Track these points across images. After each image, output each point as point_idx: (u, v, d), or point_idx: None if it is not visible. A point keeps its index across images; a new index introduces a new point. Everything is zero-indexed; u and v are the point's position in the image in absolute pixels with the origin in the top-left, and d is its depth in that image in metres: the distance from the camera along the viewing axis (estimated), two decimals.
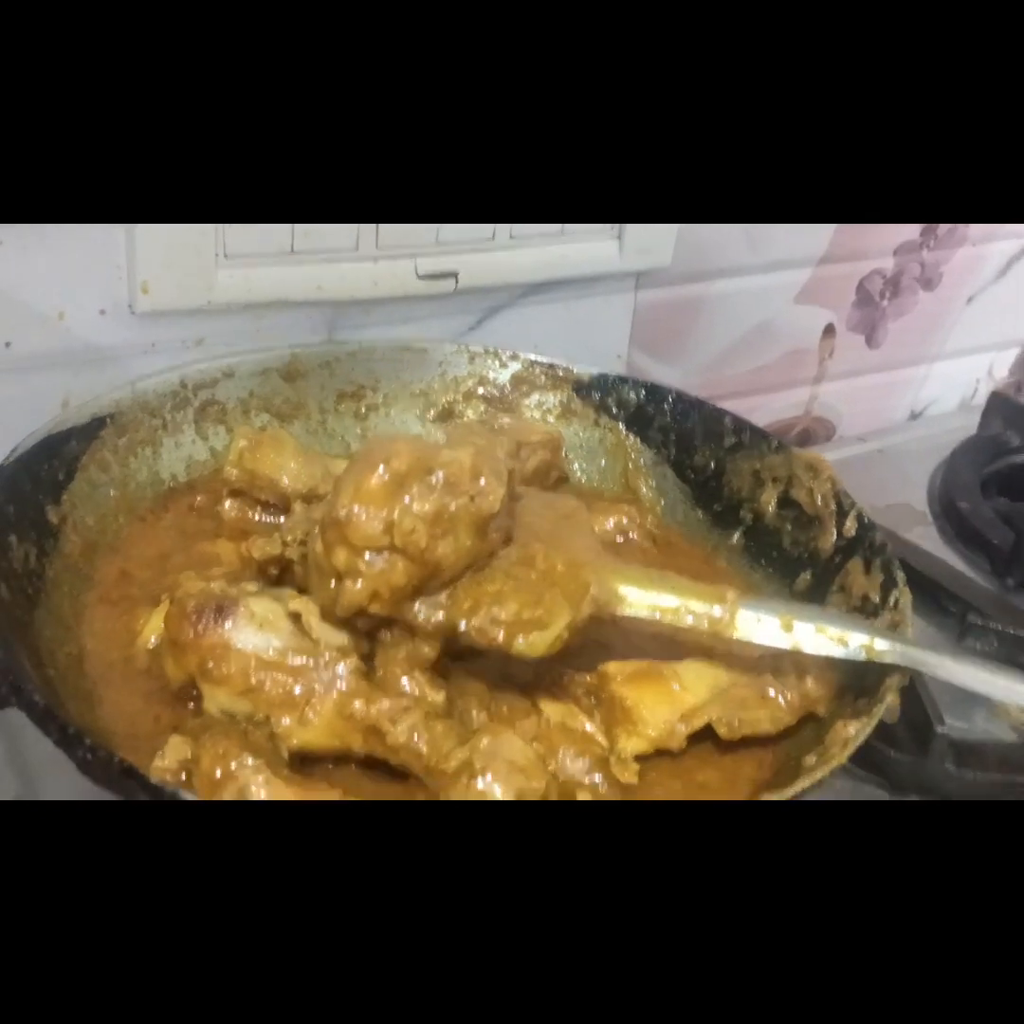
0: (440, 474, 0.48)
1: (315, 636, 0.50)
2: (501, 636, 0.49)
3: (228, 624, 0.49)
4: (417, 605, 0.49)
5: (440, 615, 0.49)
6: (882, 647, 0.52)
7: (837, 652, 0.52)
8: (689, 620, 0.53)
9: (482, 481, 0.49)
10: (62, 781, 0.58)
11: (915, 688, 0.68)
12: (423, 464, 0.48)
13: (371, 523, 0.47)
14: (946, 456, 1.00)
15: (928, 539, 0.91)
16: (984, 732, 0.72)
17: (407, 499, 0.48)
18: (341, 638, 0.50)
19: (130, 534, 0.60)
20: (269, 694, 0.48)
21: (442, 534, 0.48)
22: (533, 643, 0.49)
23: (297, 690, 0.48)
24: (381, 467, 0.48)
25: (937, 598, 0.82)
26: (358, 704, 0.48)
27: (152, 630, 0.53)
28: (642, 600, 0.52)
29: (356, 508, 0.47)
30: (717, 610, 0.53)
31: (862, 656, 0.52)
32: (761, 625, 0.53)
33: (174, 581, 0.52)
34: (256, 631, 0.49)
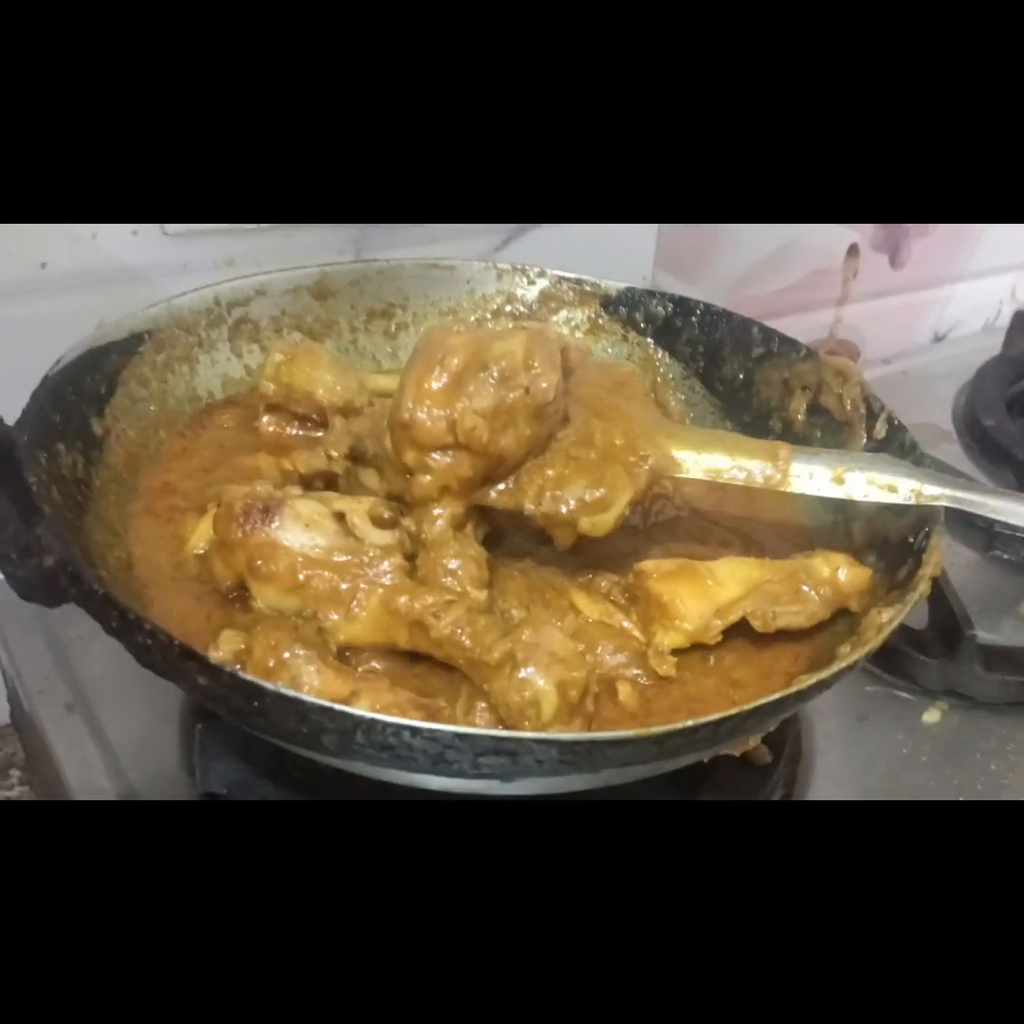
0: (495, 370, 0.50)
1: (360, 535, 0.51)
2: (567, 517, 0.51)
3: (275, 523, 0.50)
4: (486, 492, 0.52)
5: (507, 500, 0.52)
6: (932, 491, 0.54)
7: (888, 498, 0.55)
8: (742, 477, 0.55)
9: (535, 369, 0.51)
10: (111, 689, 0.60)
11: (945, 595, 0.69)
12: (478, 360, 0.50)
13: (435, 425, 0.50)
14: (970, 377, 1.01)
15: (953, 457, 0.92)
16: (1012, 640, 0.73)
17: (466, 399, 0.50)
18: (385, 537, 0.51)
19: (171, 448, 0.61)
20: (316, 590, 0.49)
21: (502, 427, 0.50)
22: (597, 524, 0.52)
23: (343, 586, 0.49)
24: (437, 369, 0.50)
25: (963, 512, 0.83)
26: (403, 599, 0.49)
27: (200, 536, 0.54)
28: (697, 464, 0.55)
29: (419, 412, 0.50)
30: (769, 468, 0.55)
31: (912, 500, 0.54)
32: (813, 479, 0.55)
33: (219, 489, 0.54)
34: (302, 530, 0.50)
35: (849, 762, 0.64)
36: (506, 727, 0.47)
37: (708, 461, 0.55)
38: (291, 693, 0.40)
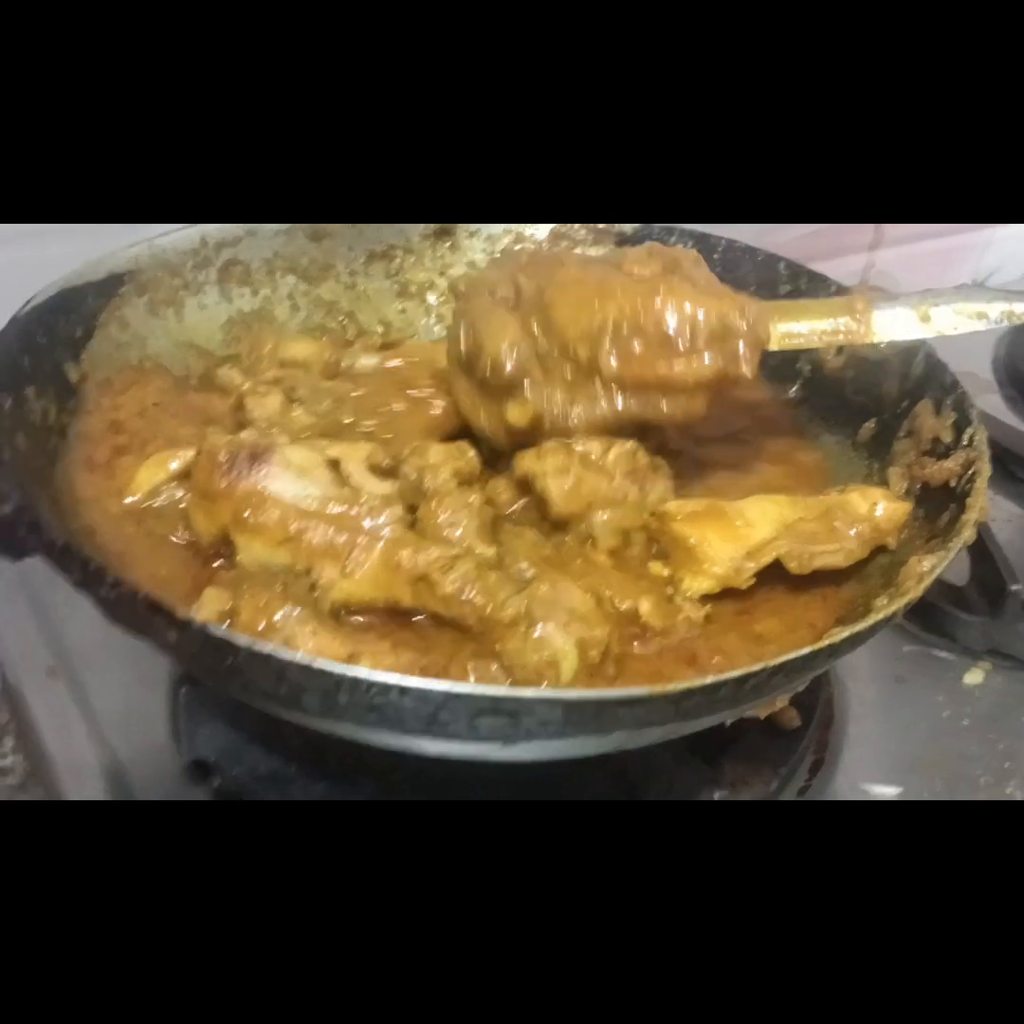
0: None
1: (356, 484, 0.47)
2: None
3: (263, 471, 0.46)
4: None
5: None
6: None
7: (979, 326, 0.54)
8: (823, 337, 0.55)
9: None
10: (96, 653, 0.57)
11: (988, 548, 0.65)
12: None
13: None
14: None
15: (994, 407, 0.87)
16: None
17: None
18: (384, 487, 0.48)
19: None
20: (310, 544, 0.45)
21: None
22: None
23: (340, 540, 0.46)
24: None
25: (1005, 463, 0.78)
26: (406, 553, 0.45)
27: (143, 482, 0.50)
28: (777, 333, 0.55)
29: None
30: (849, 322, 0.55)
31: (1005, 323, 0.55)
32: (897, 322, 0.55)
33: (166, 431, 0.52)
34: (294, 479, 0.46)
35: (885, 726, 0.59)
36: None
37: (785, 329, 0.55)
38: (265, 649, 0.36)
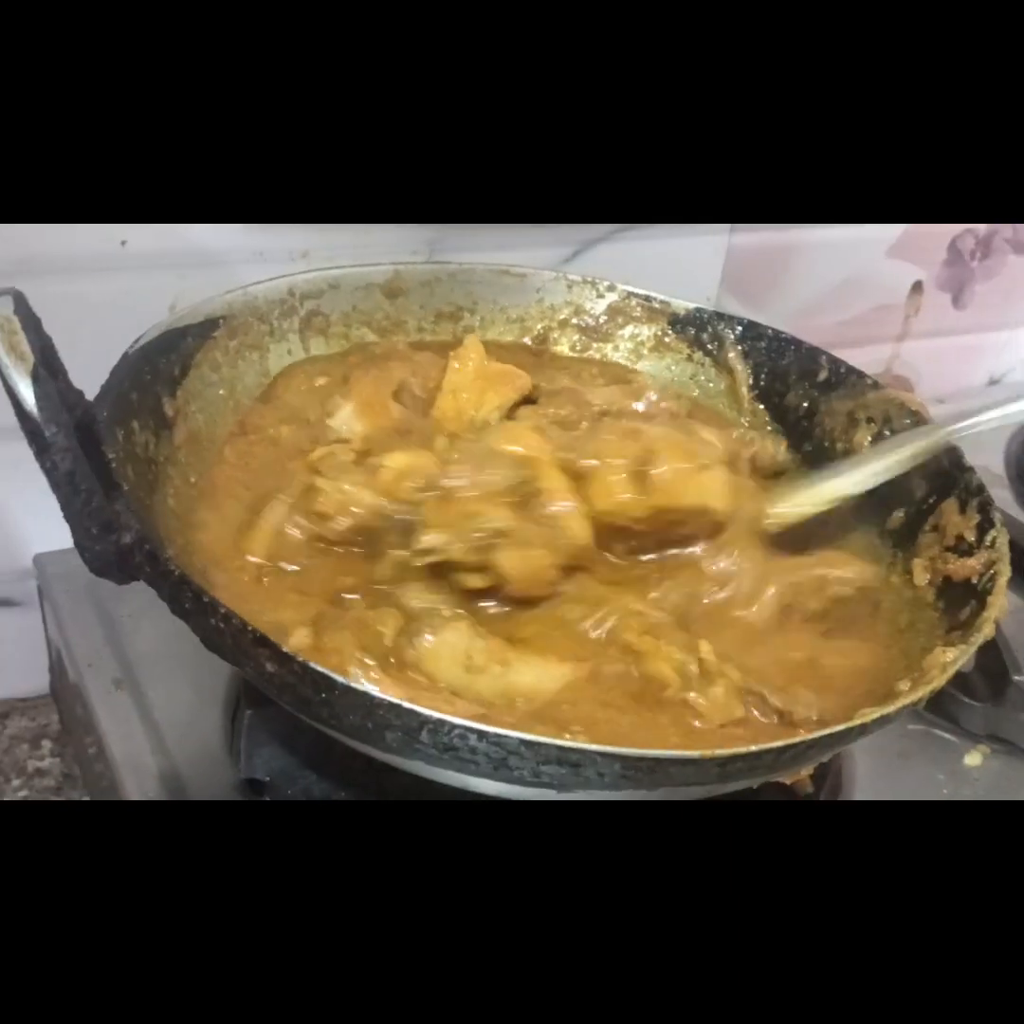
0: None
1: None
2: None
3: None
4: None
5: None
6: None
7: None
8: None
9: None
10: (159, 668, 0.61)
11: (995, 640, 0.69)
12: None
13: None
14: None
15: (1003, 501, 0.90)
16: None
17: None
18: None
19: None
20: None
21: None
22: None
23: None
24: None
25: (1011, 557, 0.82)
26: None
27: (260, 543, 0.53)
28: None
29: None
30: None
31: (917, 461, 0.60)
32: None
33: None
34: None
35: (888, 799, 0.63)
36: None
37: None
38: (361, 687, 0.40)
